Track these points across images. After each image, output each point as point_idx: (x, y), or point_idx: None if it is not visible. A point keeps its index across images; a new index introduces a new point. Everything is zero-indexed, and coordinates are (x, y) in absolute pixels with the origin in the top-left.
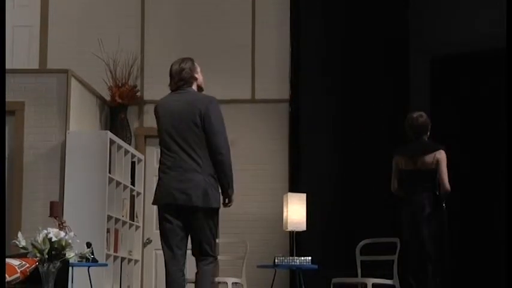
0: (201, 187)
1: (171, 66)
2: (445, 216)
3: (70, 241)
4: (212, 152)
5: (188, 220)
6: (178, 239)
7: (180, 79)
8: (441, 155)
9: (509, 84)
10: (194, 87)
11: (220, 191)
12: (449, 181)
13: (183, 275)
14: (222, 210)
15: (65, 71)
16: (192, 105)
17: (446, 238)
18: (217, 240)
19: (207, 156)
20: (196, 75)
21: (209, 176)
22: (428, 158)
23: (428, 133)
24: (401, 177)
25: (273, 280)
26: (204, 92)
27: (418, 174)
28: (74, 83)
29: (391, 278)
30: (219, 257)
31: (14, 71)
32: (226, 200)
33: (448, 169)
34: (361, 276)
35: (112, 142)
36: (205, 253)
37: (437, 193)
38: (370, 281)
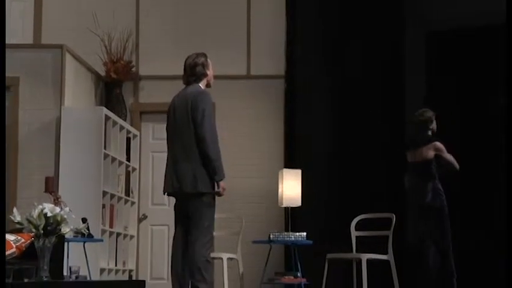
0: (191, 175)
1: (186, 59)
2: (444, 199)
3: (65, 216)
4: (196, 141)
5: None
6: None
7: (192, 74)
8: (437, 146)
9: (509, 81)
10: (203, 83)
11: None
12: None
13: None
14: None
15: (60, 46)
16: (186, 98)
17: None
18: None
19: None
20: (208, 72)
21: (198, 163)
22: (423, 150)
23: (431, 126)
24: (408, 170)
25: (268, 255)
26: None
27: (416, 166)
28: (68, 58)
29: (385, 253)
30: (214, 233)
31: (9, 46)
32: (216, 187)
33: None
34: (356, 252)
35: (107, 118)
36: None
37: (434, 182)
38: (365, 257)
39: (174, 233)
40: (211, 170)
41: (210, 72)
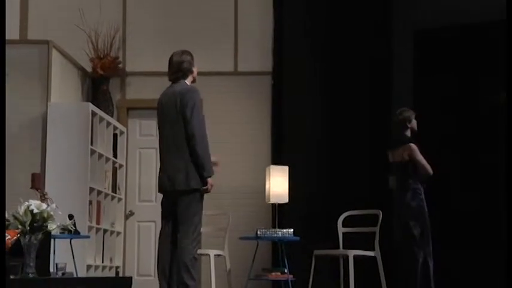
0: (183, 171)
1: (172, 56)
2: (421, 201)
3: (52, 213)
4: (186, 138)
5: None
6: None
7: (179, 70)
8: (411, 148)
9: (509, 79)
10: (189, 79)
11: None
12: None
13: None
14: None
15: (46, 42)
16: (175, 95)
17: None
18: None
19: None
20: (193, 69)
21: (188, 160)
22: (400, 151)
23: (410, 126)
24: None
25: (255, 252)
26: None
27: (394, 166)
28: (55, 54)
29: (372, 249)
30: (201, 230)
31: None
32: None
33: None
34: (343, 248)
35: (94, 114)
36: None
37: (413, 181)
38: (352, 253)
39: (161, 230)
40: (200, 166)
41: (195, 69)
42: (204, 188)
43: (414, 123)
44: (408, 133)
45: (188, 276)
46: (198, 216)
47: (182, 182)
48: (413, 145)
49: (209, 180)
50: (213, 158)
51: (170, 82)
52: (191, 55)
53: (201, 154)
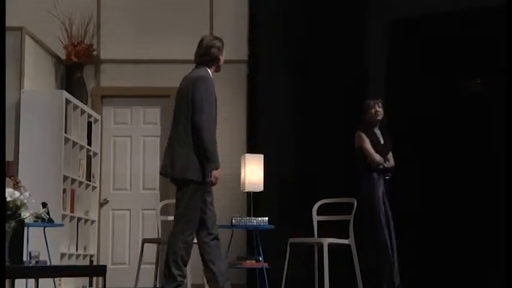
0: (182, 160)
1: (202, 38)
2: (370, 187)
3: (25, 201)
4: (192, 127)
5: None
6: None
7: (207, 54)
8: (357, 135)
9: (509, 78)
10: (213, 67)
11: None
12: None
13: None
14: None
15: (19, 29)
16: (186, 82)
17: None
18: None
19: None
20: (220, 57)
21: (190, 149)
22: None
23: (368, 114)
24: None
25: (230, 240)
26: (163, 53)
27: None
28: (28, 41)
29: (347, 237)
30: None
31: None
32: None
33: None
34: (318, 236)
35: (68, 102)
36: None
37: (363, 168)
38: (327, 241)
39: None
40: (205, 158)
41: (222, 58)
42: (209, 180)
43: (372, 112)
44: (369, 119)
45: (174, 265)
46: (191, 207)
47: (179, 170)
48: (359, 132)
49: (214, 172)
50: None
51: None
52: (222, 42)
53: (207, 146)
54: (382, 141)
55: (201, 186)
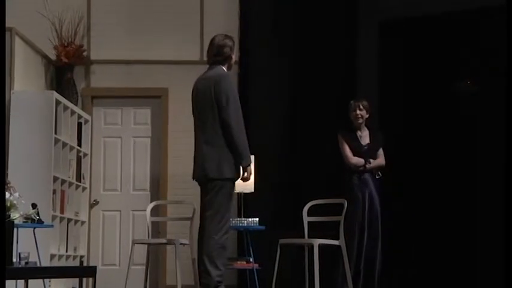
0: (215, 159)
1: (213, 38)
2: (352, 192)
3: (15, 202)
4: (221, 126)
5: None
6: None
7: (219, 53)
8: (337, 137)
9: (509, 79)
10: (227, 65)
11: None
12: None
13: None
14: (169, 171)
15: (9, 29)
16: (209, 81)
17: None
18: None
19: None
20: (233, 55)
21: (222, 148)
22: None
23: (351, 115)
24: None
25: None
26: (153, 53)
27: None
28: (18, 41)
29: (337, 238)
30: (165, 218)
31: None
32: (243, 172)
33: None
34: (308, 237)
35: (58, 102)
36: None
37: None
38: (317, 242)
39: (200, 221)
40: (238, 155)
41: (234, 56)
42: (244, 177)
43: (353, 114)
44: (352, 121)
45: (212, 266)
46: (227, 205)
47: (214, 170)
48: (338, 135)
49: (248, 168)
50: None
51: (209, 68)
52: (233, 41)
53: (238, 142)
54: (366, 142)
55: (234, 183)
